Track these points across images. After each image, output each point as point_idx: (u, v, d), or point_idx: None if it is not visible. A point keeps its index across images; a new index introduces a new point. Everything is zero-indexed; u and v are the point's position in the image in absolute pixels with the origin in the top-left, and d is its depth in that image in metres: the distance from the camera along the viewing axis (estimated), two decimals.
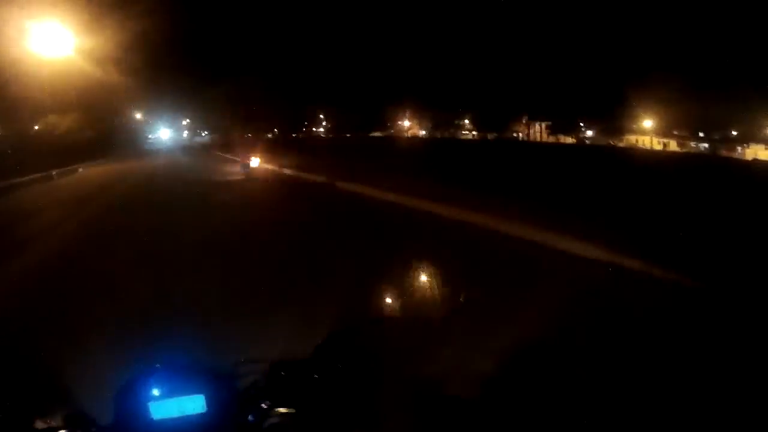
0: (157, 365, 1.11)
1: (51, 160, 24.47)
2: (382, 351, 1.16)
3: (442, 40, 54.48)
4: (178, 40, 56.37)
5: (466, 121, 61.67)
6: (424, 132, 63.47)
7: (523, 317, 4.10)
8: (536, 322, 3.93)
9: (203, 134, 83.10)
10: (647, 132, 45.08)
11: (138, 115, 60.19)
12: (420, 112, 60.50)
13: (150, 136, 72.37)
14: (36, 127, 34.12)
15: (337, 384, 1.12)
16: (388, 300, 3.66)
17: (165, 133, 76.96)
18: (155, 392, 1.04)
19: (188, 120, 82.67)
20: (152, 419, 1.02)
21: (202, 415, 1.04)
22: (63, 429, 1.06)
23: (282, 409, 1.10)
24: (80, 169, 28.19)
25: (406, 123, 63.12)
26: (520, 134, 57.64)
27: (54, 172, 23.42)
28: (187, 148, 54.08)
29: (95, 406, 1.15)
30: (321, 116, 71.05)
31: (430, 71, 54.86)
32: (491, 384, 2.65)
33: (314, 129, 74.26)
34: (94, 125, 39.75)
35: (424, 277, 5.57)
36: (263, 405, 1.11)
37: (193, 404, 1.05)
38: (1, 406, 1.04)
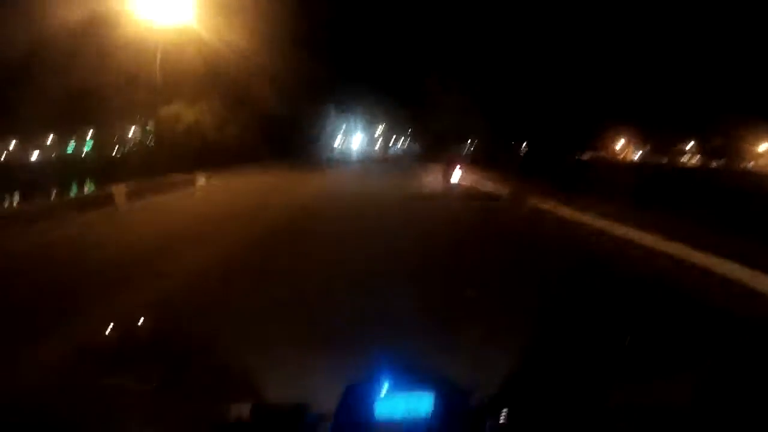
0: (387, 365, 1.08)
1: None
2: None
3: (674, 50, 47.20)
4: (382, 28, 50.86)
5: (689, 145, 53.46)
6: (638, 155, 56.28)
7: None
8: None
9: (398, 146, 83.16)
10: None
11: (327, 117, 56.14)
12: (635, 133, 53.64)
13: (335, 144, 67.36)
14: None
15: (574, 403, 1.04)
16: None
17: (357, 140, 75.09)
18: (383, 390, 1.03)
19: (382, 127, 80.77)
20: (376, 418, 1.00)
21: (426, 419, 1.01)
22: (298, 413, 1.07)
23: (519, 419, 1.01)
24: (201, 182, 20.69)
25: (619, 145, 56.54)
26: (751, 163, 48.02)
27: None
28: (384, 162, 48.48)
29: (325, 400, 1.11)
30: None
31: (655, 88, 48.09)
32: None
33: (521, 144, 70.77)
34: (253, 124, 32.78)
35: None
36: (502, 414, 1.04)
37: (420, 404, 1.03)
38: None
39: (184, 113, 27.10)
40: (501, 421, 1.04)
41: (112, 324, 2.05)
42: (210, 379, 2.25)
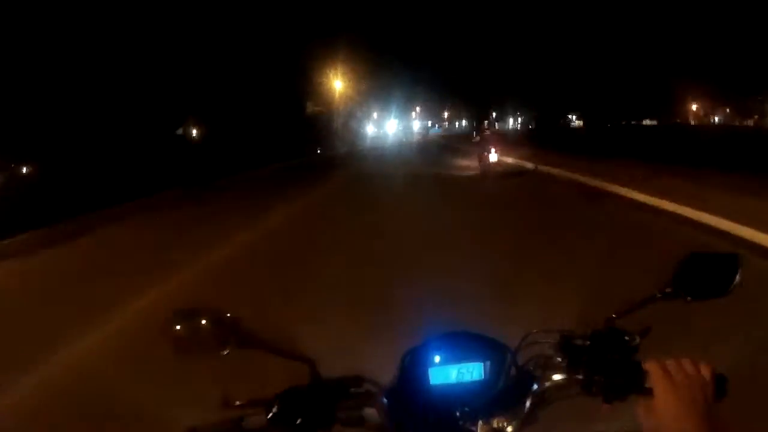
0: (440, 334, 1.09)
1: None
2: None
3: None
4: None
5: None
6: (717, 119, 47.83)
7: None
8: None
9: (435, 126, 76.43)
10: None
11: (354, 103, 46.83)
12: (712, 95, 45.43)
13: (367, 130, 58.15)
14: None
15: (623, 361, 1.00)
16: None
17: (392, 125, 66.93)
18: (436, 359, 1.05)
19: (418, 110, 73.36)
20: (431, 384, 1.04)
21: (480, 382, 1.05)
22: (354, 383, 1.05)
23: (566, 377, 1.01)
24: None
25: (694, 107, 48.17)
26: None
27: None
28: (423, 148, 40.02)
29: (381, 368, 1.12)
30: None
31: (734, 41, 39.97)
32: None
33: (568, 117, 63.49)
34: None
35: None
36: (554, 376, 1.03)
37: (472, 372, 1.06)
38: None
39: None
40: (547, 384, 1.04)
41: None
42: None
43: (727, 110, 46.11)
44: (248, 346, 0.99)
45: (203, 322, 0.98)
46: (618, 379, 0.96)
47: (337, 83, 42.57)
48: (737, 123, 44.68)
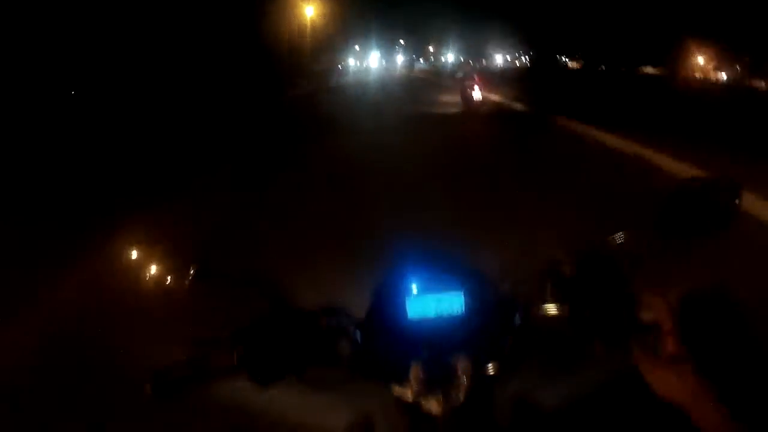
0: (416, 262, 1.07)
1: None
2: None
3: None
4: None
5: None
6: (724, 76, 43.65)
7: None
8: None
9: (420, 61, 71.26)
10: None
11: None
12: (722, 49, 41.13)
13: (343, 65, 50.90)
14: None
15: (605, 288, 0.93)
16: None
17: (374, 59, 62.51)
18: (413, 289, 1.02)
19: (402, 43, 68.14)
20: (408, 317, 1.01)
21: (460, 316, 1.02)
22: (325, 315, 1.00)
23: (552, 308, 0.96)
24: None
25: (700, 60, 43.77)
26: None
27: None
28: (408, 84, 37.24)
29: (353, 298, 1.12)
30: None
31: None
32: None
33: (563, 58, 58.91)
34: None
35: None
36: (533, 306, 1.00)
37: (451, 303, 1.02)
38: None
39: None
40: (530, 313, 1.00)
41: None
42: None
43: (738, 67, 41.90)
44: (208, 278, 0.95)
45: (161, 255, 0.96)
46: (612, 314, 0.88)
47: (309, 9, 37.27)
48: (747, 82, 40.66)
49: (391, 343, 0.99)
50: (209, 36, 24.96)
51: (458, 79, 19.36)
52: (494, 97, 20.16)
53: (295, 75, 33.21)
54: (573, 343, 0.95)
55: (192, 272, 0.93)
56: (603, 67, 48.27)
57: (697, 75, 43.76)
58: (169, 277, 0.93)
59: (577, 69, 55.50)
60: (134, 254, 0.95)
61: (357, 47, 61.74)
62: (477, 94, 15.88)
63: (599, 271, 0.94)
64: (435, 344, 0.97)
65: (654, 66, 46.37)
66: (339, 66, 50.49)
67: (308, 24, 37.27)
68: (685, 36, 39.35)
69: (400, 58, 68.58)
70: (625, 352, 0.87)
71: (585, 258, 0.96)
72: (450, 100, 19.91)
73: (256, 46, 27.88)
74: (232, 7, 26.88)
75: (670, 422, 0.82)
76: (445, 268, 1.05)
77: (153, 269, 0.94)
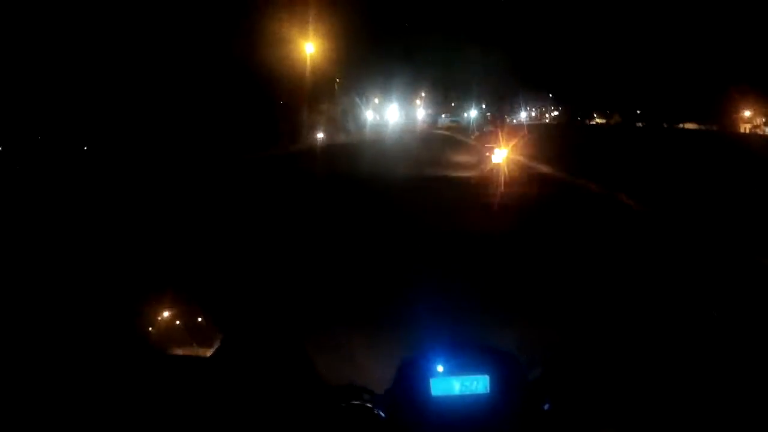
0: (443, 343, 1.07)
1: None
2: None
3: None
4: None
5: None
6: None
7: None
8: None
9: (442, 116, 68.61)
10: None
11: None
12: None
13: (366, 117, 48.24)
14: None
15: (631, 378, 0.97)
16: None
17: (393, 112, 59.53)
18: (439, 369, 1.02)
19: (423, 96, 64.98)
20: (432, 395, 1.01)
21: (485, 396, 1.01)
22: (347, 393, 1.04)
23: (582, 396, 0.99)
24: None
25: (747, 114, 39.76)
26: None
27: None
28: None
29: (378, 377, 1.12)
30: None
31: None
32: None
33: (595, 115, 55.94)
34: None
35: None
36: (564, 392, 1.02)
37: (476, 384, 1.02)
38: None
39: None
40: (559, 397, 1.00)
41: None
42: None
43: None
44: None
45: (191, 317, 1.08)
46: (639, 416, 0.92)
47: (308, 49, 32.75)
48: None
49: (413, 420, 0.98)
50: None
51: (480, 137, 18.55)
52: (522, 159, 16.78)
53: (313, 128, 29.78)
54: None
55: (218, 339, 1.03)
56: (641, 124, 45.13)
57: (745, 129, 39.86)
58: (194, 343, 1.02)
59: (610, 125, 52.62)
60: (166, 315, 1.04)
61: (376, 100, 58.47)
62: (499, 154, 14.13)
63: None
64: (458, 424, 0.96)
65: (698, 122, 42.62)
66: (361, 118, 46.91)
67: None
68: (732, 89, 35.86)
69: (421, 113, 66.07)
70: None
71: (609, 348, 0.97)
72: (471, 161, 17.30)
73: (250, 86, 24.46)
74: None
75: None
76: (471, 350, 1.04)
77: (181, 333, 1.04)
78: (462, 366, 1.01)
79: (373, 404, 1.00)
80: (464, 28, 59.58)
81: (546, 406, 0.99)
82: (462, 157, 19.17)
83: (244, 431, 0.93)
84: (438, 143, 29.72)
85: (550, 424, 0.97)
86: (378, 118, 59.35)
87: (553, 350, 1.04)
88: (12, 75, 17.22)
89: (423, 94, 68.49)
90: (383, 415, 0.98)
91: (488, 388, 1.00)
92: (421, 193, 12.41)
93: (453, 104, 74.81)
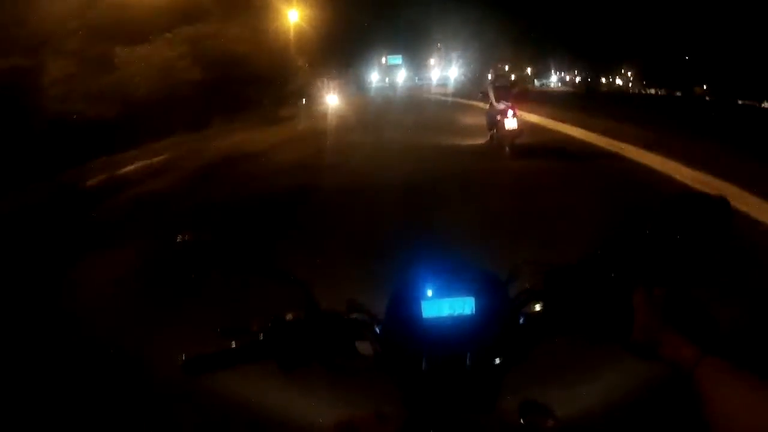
0: (432, 267, 1.13)
1: None
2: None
3: None
4: None
5: None
6: None
7: None
8: None
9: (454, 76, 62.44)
10: None
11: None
12: None
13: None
14: None
15: (608, 292, 1.01)
16: None
17: (401, 73, 61.75)
18: (428, 292, 1.09)
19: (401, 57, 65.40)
20: (423, 317, 1.09)
21: (470, 316, 1.09)
22: (350, 311, 1.11)
23: (542, 306, 1.07)
24: None
25: None
26: None
27: None
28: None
29: (373, 298, 1.19)
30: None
31: None
32: None
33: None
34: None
35: None
36: (537, 308, 1.09)
37: (463, 306, 1.09)
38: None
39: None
40: (534, 311, 1.08)
41: None
42: None
43: None
44: (243, 269, 1.03)
45: (202, 241, 1.02)
46: (600, 320, 0.95)
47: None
48: None
49: (407, 339, 1.05)
50: None
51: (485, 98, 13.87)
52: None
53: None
54: (559, 338, 1.00)
55: (229, 260, 0.99)
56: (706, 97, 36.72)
57: None
58: (208, 261, 0.99)
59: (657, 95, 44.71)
60: (181, 240, 1.01)
61: (383, 60, 61.80)
62: (511, 120, 12.05)
63: (597, 277, 0.98)
64: (446, 341, 1.04)
65: None
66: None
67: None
68: None
69: (402, 75, 65.94)
70: (622, 349, 0.92)
71: (584, 264, 1.00)
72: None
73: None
74: None
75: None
76: (458, 274, 1.10)
77: (197, 249, 1.00)
78: (450, 289, 1.06)
79: (374, 323, 1.06)
80: None
81: (521, 320, 1.05)
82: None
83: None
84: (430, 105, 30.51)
85: (525, 337, 1.04)
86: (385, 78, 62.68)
87: (535, 266, 1.03)
88: None
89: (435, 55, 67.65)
90: (378, 332, 1.05)
91: (473, 310, 1.05)
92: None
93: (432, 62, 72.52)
